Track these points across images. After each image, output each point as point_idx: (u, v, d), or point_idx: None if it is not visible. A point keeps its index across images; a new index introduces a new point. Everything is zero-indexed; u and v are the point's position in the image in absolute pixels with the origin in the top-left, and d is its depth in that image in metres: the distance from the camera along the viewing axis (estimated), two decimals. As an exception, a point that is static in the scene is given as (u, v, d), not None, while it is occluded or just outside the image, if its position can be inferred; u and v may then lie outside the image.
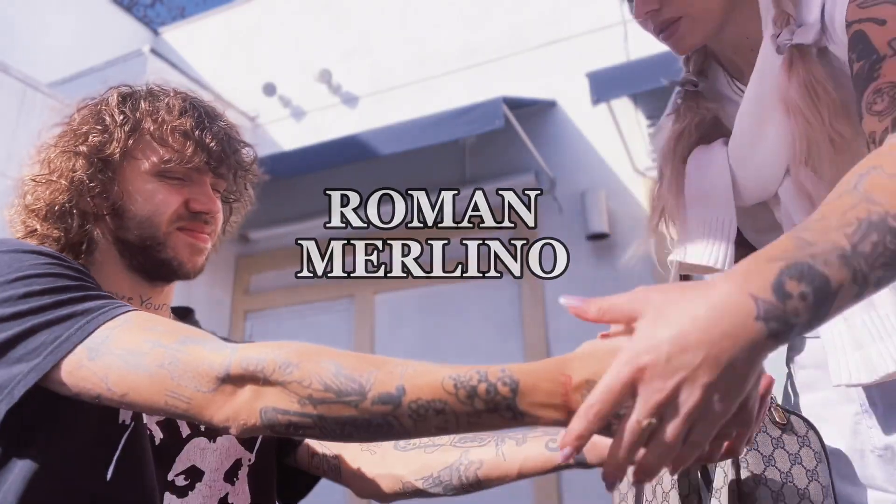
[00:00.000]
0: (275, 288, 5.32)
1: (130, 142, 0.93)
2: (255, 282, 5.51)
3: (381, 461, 1.03)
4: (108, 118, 0.94)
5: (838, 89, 0.79)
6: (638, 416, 0.53)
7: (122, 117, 0.94)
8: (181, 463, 0.90)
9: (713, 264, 0.93)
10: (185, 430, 0.93)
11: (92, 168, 0.92)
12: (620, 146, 4.43)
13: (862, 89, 0.68)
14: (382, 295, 4.89)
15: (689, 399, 0.50)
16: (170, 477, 0.89)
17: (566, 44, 4.95)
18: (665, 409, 0.51)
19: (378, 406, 0.62)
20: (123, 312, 0.76)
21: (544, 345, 4.39)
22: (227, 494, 0.94)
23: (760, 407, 0.59)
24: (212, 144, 0.96)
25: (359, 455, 1.05)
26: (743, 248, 0.97)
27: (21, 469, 0.76)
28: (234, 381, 0.67)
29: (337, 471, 1.07)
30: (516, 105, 4.41)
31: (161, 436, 0.89)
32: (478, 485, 1.00)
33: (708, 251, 0.93)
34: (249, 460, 0.98)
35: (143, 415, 0.86)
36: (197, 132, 0.95)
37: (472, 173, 4.88)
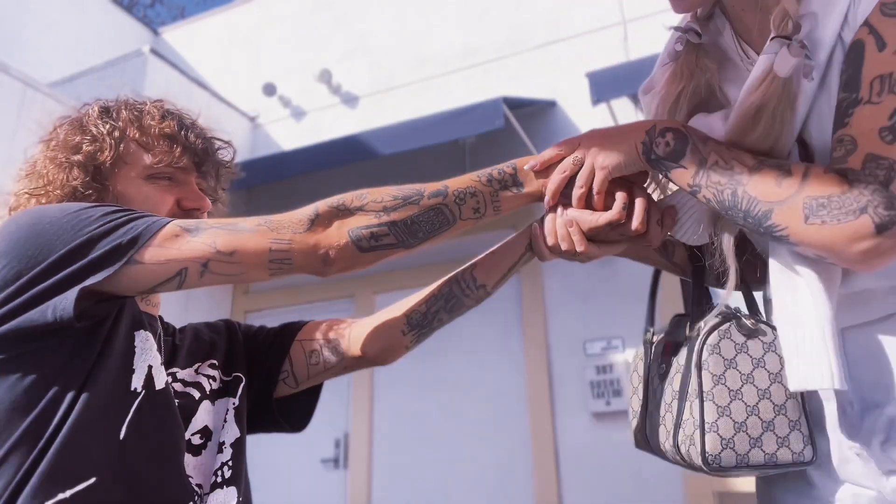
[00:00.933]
0: (275, 288, 5.32)
1: (121, 148, 0.99)
2: (254, 282, 5.51)
3: (381, 314, 1.14)
4: (93, 129, 1.00)
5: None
6: (570, 157, 0.90)
7: (108, 126, 1.00)
8: (196, 423, 0.98)
9: (686, 240, 0.95)
10: (196, 394, 1.00)
11: (87, 177, 0.97)
12: (620, 146, 4.43)
13: (836, 126, 0.74)
14: (382, 295, 4.89)
15: (593, 145, 0.88)
16: (187, 436, 0.95)
17: (566, 44, 4.95)
18: (585, 155, 0.89)
19: (433, 199, 0.88)
20: None
21: (544, 345, 4.39)
22: (220, 437, 1.01)
23: (658, 216, 0.91)
24: (197, 143, 1.04)
25: (358, 322, 1.15)
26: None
27: (55, 420, 0.80)
28: (323, 217, 0.86)
29: (337, 349, 1.13)
30: (516, 105, 4.41)
31: (177, 402, 0.95)
32: (475, 285, 1.09)
33: (684, 225, 0.94)
34: (234, 404, 1.05)
35: (158, 383, 0.91)
36: (181, 133, 1.02)
37: (472, 173, 4.88)
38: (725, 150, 0.79)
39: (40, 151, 1.02)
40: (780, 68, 0.75)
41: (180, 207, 1.01)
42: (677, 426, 0.88)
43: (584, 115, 4.60)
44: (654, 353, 1.02)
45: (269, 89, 5.88)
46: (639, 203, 0.88)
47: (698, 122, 0.90)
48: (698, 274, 1.02)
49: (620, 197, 0.88)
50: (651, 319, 1.09)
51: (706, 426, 0.83)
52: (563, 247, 0.93)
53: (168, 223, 0.84)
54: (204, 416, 0.99)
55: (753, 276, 0.98)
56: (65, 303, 0.78)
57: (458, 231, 0.91)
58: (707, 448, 0.82)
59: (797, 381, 0.78)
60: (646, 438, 0.99)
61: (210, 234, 0.83)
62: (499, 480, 4.33)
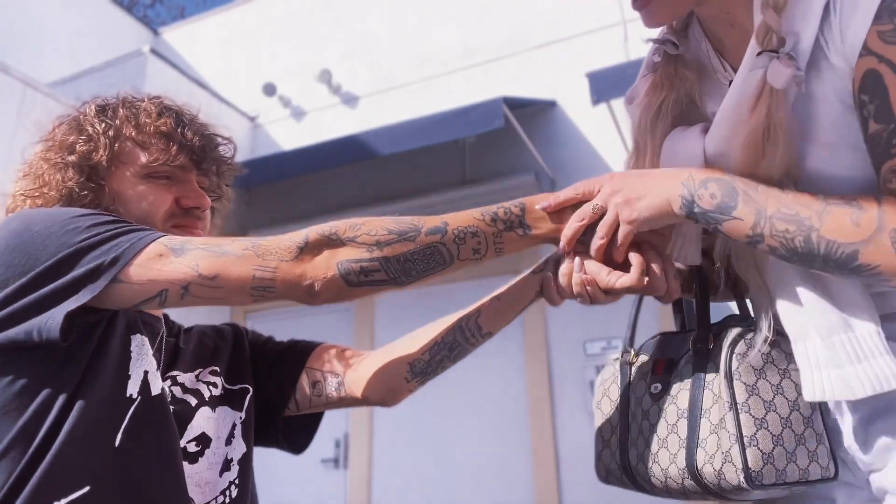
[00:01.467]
0: None
1: (116, 147, 0.97)
2: (255, 282, 5.51)
3: (383, 356, 1.10)
4: (89, 128, 0.98)
5: (810, 120, 0.78)
6: (593, 202, 0.84)
7: (103, 125, 0.98)
8: (192, 430, 0.96)
9: (681, 262, 0.93)
10: (193, 401, 0.98)
11: (83, 177, 0.95)
12: (620, 146, 4.43)
13: (879, 161, 0.73)
14: (383, 295, 4.88)
15: (619, 199, 0.82)
16: (183, 444, 0.93)
17: (566, 44, 4.95)
18: (607, 203, 0.83)
19: (430, 236, 0.82)
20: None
21: (544, 345, 4.39)
22: (227, 454, 0.99)
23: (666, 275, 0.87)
24: (194, 141, 1.01)
25: (360, 360, 1.11)
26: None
27: (44, 426, 0.79)
28: (312, 247, 0.81)
29: (340, 387, 1.10)
30: (516, 105, 4.41)
31: (172, 408, 0.93)
32: (480, 334, 1.07)
33: (678, 246, 0.92)
34: (241, 418, 1.03)
35: (154, 389, 0.89)
36: (178, 130, 1.00)
37: (472, 173, 4.88)
38: (780, 193, 0.75)
39: (38, 152, 1.00)
40: (774, 80, 0.75)
41: (179, 206, 0.99)
42: (692, 446, 0.82)
43: (584, 115, 4.60)
44: (637, 375, 0.97)
45: (269, 89, 5.88)
46: (658, 268, 0.84)
47: (676, 138, 0.91)
48: (704, 287, 0.96)
49: (638, 262, 0.84)
50: (631, 341, 1.02)
51: (745, 440, 0.77)
52: (579, 301, 0.91)
53: (153, 241, 0.81)
54: (202, 422, 0.97)
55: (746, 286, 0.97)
56: (50, 324, 0.77)
57: (456, 270, 0.85)
58: (750, 464, 0.77)
59: (868, 385, 0.74)
60: (624, 470, 0.93)
61: (194, 257, 0.80)
62: (499, 480, 4.33)
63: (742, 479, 0.77)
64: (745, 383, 0.80)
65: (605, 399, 1.00)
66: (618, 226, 0.83)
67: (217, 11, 6.87)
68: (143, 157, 0.97)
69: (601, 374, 1.04)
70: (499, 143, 4.68)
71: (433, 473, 4.51)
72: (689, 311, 1.02)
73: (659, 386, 0.91)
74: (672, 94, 0.92)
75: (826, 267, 0.74)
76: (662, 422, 0.88)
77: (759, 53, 0.76)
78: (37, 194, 0.95)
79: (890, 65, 0.70)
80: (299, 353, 1.13)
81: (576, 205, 0.87)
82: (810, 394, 0.77)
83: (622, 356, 1.01)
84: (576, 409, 4.20)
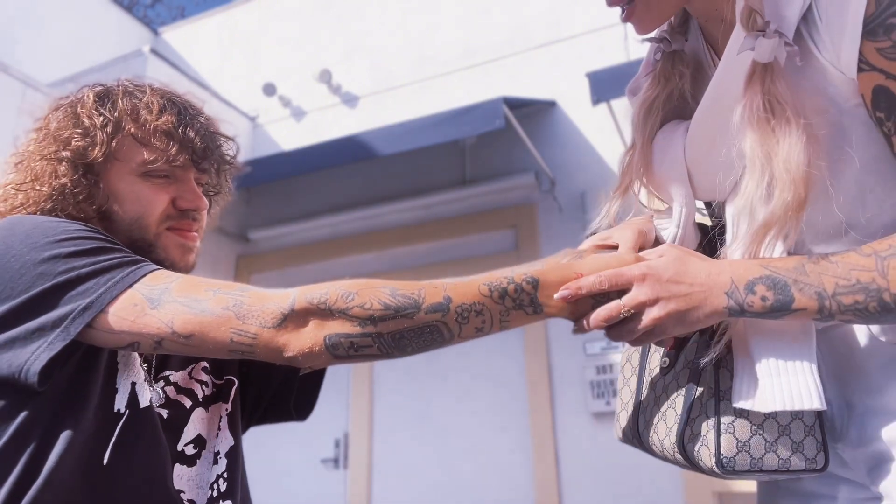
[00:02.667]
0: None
1: (113, 144, 0.92)
2: (255, 281, 5.51)
3: None
4: (86, 120, 0.93)
5: (809, 100, 0.76)
6: (624, 301, 0.77)
7: (101, 119, 0.93)
8: (188, 433, 0.93)
9: None
10: (188, 402, 0.96)
11: (76, 174, 0.91)
12: (620, 146, 4.43)
13: None
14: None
15: (658, 313, 0.76)
16: (179, 447, 0.91)
17: (566, 44, 4.95)
18: (642, 308, 0.77)
19: (430, 315, 0.74)
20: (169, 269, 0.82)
21: (544, 345, 4.39)
22: (215, 447, 0.97)
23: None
24: (195, 140, 0.97)
25: None
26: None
27: (24, 449, 0.77)
28: (298, 315, 0.74)
29: None
30: (516, 105, 4.41)
31: (166, 412, 0.91)
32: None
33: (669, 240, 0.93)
34: (227, 410, 1.01)
35: (142, 401, 0.87)
36: (179, 130, 0.95)
37: (472, 173, 4.88)
38: (830, 264, 0.72)
39: (31, 140, 0.95)
40: (761, 56, 0.74)
41: (175, 207, 0.96)
42: (683, 423, 0.85)
43: (584, 115, 4.60)
44: (654, 346, 0.99)
45: (269, 89, 5.88)
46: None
47: (667, 134, 0.92)
48: None
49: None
50: None
51: (722, 426, 0.80)
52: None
53: (130, 287, 0.77)
54: (197, 424, 0.95)
55: None
56: (27, 373, 0.74)
57: (454, 344, 0.80)
58: (722, 450, 0.79)
59: (780, 401, 0.76)
60: (634, 433, 0.97)
61: (169, 311, 0.75)
62: (499, 480, 4.33)
63: (713, 463, 0.79)
64: (730, 371, 0.82)
65: (628, 365, 1.03)
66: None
67: (217, 11, 6.86)
68: (142, 155, 0.93)
69: None
70: (499, 143, 4.68)
71: (433, 473, 4.50)
72: None
73: (667, 360, 0.93)
74: (665, 90, 0.93)
75: None
76: (664, 395, 0.91)
77: (746, 36, 0.76)
78: (27, 189, 0.91)
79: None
80: None
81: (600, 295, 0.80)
82: (734, 400, 0.79)
83: None
84: (576, 409, 4.19)
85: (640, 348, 1.02)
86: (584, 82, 4.21)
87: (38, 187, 0.91)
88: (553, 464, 4.17)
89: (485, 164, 4.84)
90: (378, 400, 4.82)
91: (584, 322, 0.80)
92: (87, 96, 0.96)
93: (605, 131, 4.52)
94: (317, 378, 1.14)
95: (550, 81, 4.85)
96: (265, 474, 4.80)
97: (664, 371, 0.93)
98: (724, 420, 0.80)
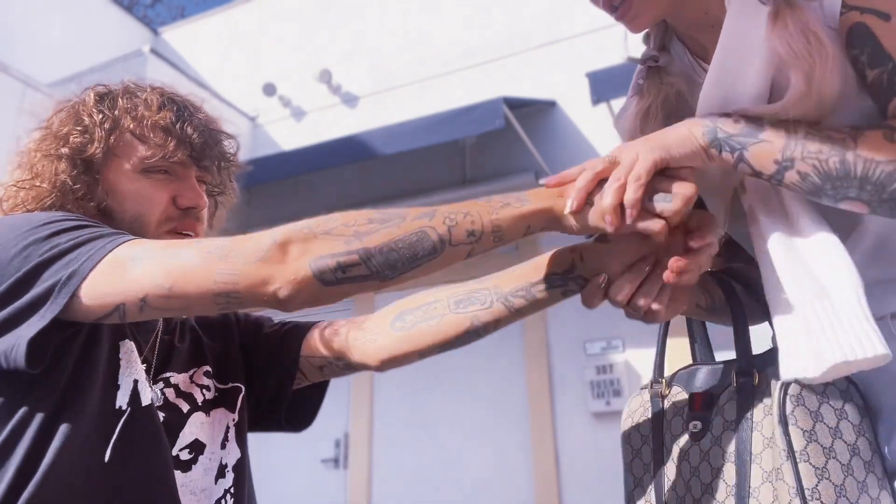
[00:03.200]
0: None
1: (111, 140, 0.92)
2: (255, 282, 5.51)
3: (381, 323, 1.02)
4: (86, 118, 0.93)
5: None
6: (611, 153, 0.76)
7: (100, 116, 0.93)
8: (185, 438, 0.91)
9: None
10: (185, 406, 0.94)
11: (75, 170, 0.91)
12: (620, 146, 4.43)
13: (885, 102, 0.72)
14: (383, 295, 4.88)
15: (644, 158, 0.73)
16: (175, 452, 0.89)
17: (566, 44, 4.95)
18: (621, 151, 0.76)
19: (416, 221, 0.72)
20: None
21: (544, 345, 4.39)
22: (222, 459, 0.95)
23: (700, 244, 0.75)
24: (193, 136, 0.95)
25: (364, 328, 1.04)
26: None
27: (22, 445, 0.76)
28: (281, 245, 0.71)
29: (345, 348, 1.03)
30: (516, 105, 4.41)
31: (163, 415, 0.90)
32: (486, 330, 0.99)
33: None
34: (234, 420, 1.00)
35: (144, 399, 0.86)
36: (177, 125, 0.94)
37: (472, 173, 4.88)
38: (806, 124, 0.72)
39: (33, 140, 0.96)
40: None
41: (176, 206, 0.94)
42: (743, 495, 0.75)
43: (584, 115, 4.60)
44: (672, 410, 0.87)
45: (269, 89, 5.88)
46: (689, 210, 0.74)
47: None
48: (739, 311, 0.86)
49: (681, 189, 0.73)
50: (661, 370, 0.93)
51: (806, 493, 0.70)
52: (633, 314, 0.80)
53: (110, 252, 0.75)
54: (194, 429, 0.93)
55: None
56: (16, 353, 0.73)
57: (450, 260, 0.74)
58: None
59: (839, 353, 0.68)
60: None
61: (151, 265, 0.73)
62: (499, 480, 4.33)
63: None
64: (801, 429, 0.72)
65: (635, 433, 0.91)
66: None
67: (217, 11, 6.87)
68: (141, 151, 0.93)
69: (628, 404, 0.95)
70: (499, 143, 4.68)
71: (433, 473, 4.51)
72: (702, 341, 0.96)
73: (699, 424, 0.82)
74: (659, 96, 0.92)
75: (861, 193, 0.69)
76: (706, 465, 0.79)
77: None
78: (28, 186, 0.91)
79: (872, 12, 0.72)
80: (294, 342, 1.07)
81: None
82: (786, 372, 0.72)
83: (651, 387, 0.92)
84: (576, 409, 4.19)
85: (647, 413, 0.92)
86: (583, 82, 4.22)
87: (38, 184, 0.91)
88: (553, 464, 4.17)
89: (485, 164, 4.84)
90: (378, 400, 4.82)
91: (574, 192, 0.75)
92: (89, 96, 0.97)
93: (604, 131, 4.51)
94: (314, 391, 1.11)
95: (550, 81, 4.86)
96: (265, 474, 4.80)
97: (696, 436, 0.82)
98: (807, 485, 0.70)
